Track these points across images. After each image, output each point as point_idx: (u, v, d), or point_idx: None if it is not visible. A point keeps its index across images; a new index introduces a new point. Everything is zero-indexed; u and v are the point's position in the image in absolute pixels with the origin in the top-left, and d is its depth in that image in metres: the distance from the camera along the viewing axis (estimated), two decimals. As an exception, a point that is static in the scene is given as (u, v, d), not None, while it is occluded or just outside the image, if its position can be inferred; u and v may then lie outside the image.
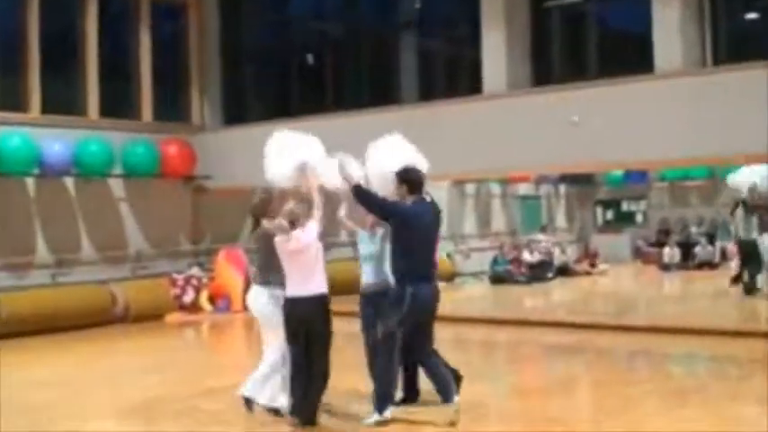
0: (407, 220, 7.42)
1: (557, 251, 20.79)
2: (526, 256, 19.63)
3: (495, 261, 19.77)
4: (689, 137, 11.62)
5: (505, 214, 23.20)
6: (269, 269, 7.62)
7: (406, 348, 7.42)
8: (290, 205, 7.37)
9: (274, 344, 7.64)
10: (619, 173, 23.25)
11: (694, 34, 12.32)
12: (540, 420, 7.65)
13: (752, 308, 14.51)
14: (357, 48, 16.58)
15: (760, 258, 15.17)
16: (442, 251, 17.05)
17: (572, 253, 22.25)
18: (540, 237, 21.14)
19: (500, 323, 13.53)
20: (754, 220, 15.31)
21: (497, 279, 19.21)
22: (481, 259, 20.56)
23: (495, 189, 22.76)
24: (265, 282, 7.72)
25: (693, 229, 23.10)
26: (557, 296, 18.65)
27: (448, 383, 7.34)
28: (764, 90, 11.05)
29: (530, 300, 17.56)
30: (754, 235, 15.27)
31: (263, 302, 7.73)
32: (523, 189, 23.52)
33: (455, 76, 15.94)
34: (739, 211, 15.56)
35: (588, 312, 15.20)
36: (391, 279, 7.60)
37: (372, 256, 7.91)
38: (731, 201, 16.54)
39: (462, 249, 20.84)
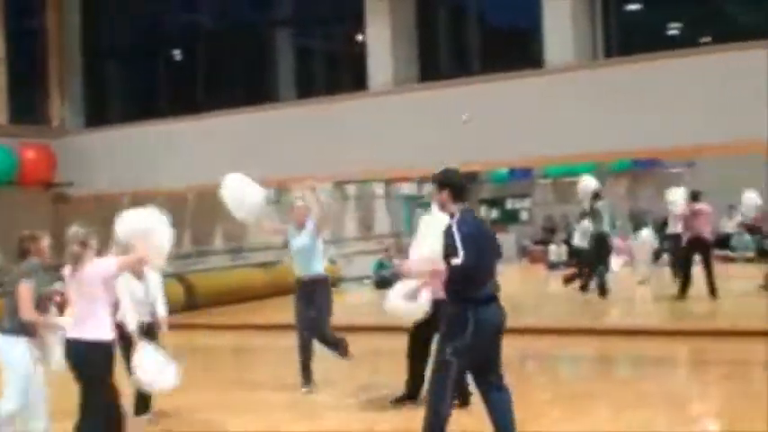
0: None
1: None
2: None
3: (380, 264, 19.07)
4: (581, 132, 11.18)
5: (389, 216, 22.52)
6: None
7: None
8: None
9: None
10: (503, 170, 22.89)
11: (586, 27, 11.93)
12: None
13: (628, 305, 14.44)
14: (231, 43, 15.63)
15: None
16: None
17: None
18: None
19: (387, 330, 12.63)
20: (605, 214, 15.08)
21: (383, 283, 18.50)
22: (365, 263, 19.80)
23: (378, 189, 22.05)
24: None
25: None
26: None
27: None
28: (656, 83, 10.77)
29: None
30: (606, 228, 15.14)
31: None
32: (407, 189, 22.87)
33: (337, 73, 15.24)
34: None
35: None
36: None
37: (302, 250, 8.65)
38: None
39: (345, 253, 20.08)
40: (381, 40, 12.94)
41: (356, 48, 13.73)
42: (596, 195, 15.16)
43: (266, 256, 17.74)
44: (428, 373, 6.46)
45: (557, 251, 21.10)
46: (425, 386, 6.72)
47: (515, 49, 13.55)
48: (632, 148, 11.58)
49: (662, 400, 8.02)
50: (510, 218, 24.52)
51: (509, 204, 24.52)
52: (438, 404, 5.84)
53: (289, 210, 9.37)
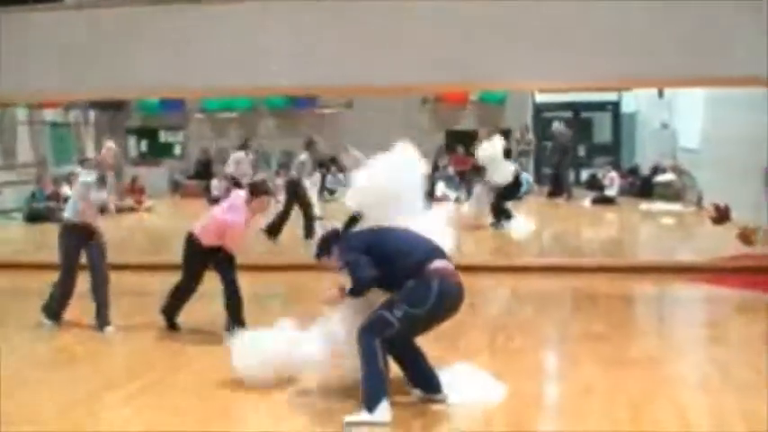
0: None
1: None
2: (67, 191, 17.57)
3: (32, 196, 17.52)
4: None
5: (33, 143, 20.70)
6: None
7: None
8: None
9: None
10: (154, 100, 21.85)
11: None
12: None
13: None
14: None
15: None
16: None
17: (119, 188, 20.37)
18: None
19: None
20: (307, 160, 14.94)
21: (35, 217, 17.04)
22: (13, 195, 18.09)
23: (21, 115, 20.15)
24: None
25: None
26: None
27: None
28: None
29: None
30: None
31: None
32: (51, 115, 21.11)
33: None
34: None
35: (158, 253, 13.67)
36: None
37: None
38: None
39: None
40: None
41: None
42: (310, 143, 14.83)
43: None
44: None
45: (219, 186, 20.62)
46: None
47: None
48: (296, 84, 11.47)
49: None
50: (162, 151, 23.62)
51: (162, 137, 23.61)
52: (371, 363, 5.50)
53: None
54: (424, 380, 5.87)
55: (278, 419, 5.76)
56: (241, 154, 18.23)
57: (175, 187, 23.11)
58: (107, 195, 8.39)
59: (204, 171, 22.41)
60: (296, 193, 14.09)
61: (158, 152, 23.59)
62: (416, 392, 5.88)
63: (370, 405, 5.44)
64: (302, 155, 14.63)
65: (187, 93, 15.19)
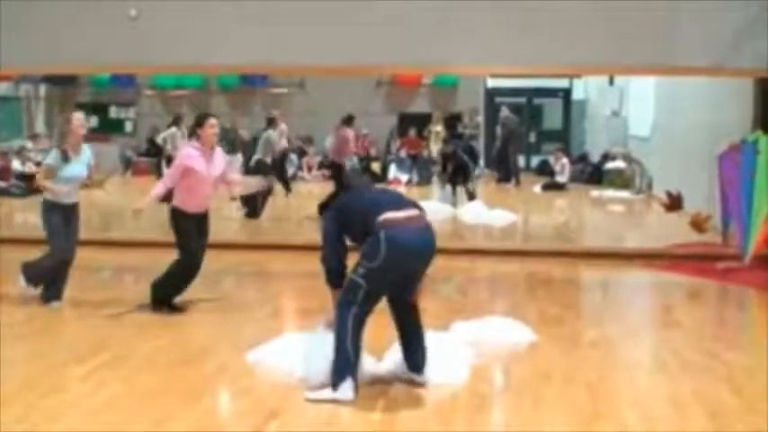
0: None
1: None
2: (17, 166, 17.32)
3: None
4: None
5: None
6: None
7: None
8: None
9: None
10: (105, 75, 21.52)
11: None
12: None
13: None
14: None
15: None
16: None
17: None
18: (30, 145, 18.83)
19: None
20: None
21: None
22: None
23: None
24: None
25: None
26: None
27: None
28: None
29: (21, 215, 15.47)
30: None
31: None
32: (2, 89, 20.72)
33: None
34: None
35: (109, 229, 13.57)
36: None
37: None
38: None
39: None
40: None
41: None
42: (270, 121, 14.75)
43: None
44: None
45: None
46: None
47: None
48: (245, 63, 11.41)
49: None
50: (113, 127, 23.31)
51: (113, 113, 23.30)
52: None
53: None
54: (408, 358, 5.90)
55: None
56: (173, 130, 17.82)
57: (127, 164, 22.84)
58: (88, 169, 8.20)
59: (154, 148, 22.11)
60: (268, 173, 13.95)
61: (109, 128, 23.27)
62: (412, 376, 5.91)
63: (335, 382, 5.45)
64: (265, 133, 14.59)
65: (137, 69, 14.95)
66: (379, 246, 5.43)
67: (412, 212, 5.64)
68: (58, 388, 5.88)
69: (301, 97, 22.22)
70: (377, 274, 5.47)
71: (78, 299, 8.33)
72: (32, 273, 8.18)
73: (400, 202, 5.75)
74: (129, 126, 23.55)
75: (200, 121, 7.82)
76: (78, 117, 8.14)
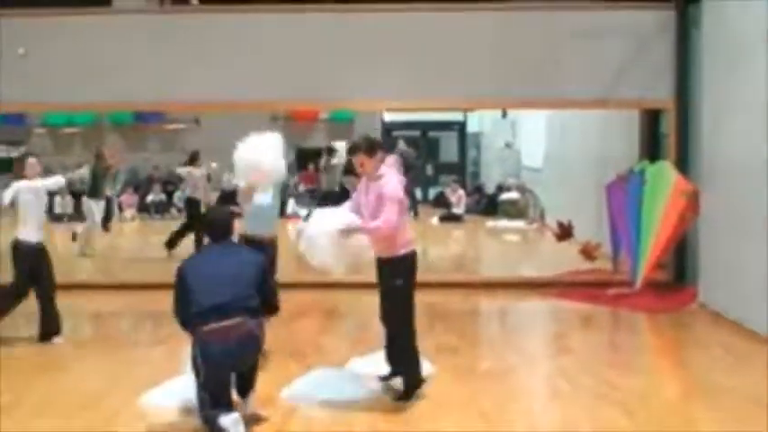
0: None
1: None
2: None
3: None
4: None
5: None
6: None
7: None
8: None
9: None
10: (-7, 114, 20.94)
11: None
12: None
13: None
14: None
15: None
16: None
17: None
18: None
19: None
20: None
21: None
22: None
23: None
24: None
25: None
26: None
27: None
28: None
29: None
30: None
31: None
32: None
33: None
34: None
35: None
36: None
37: None
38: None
39: None
40: None
41: None
42: (194, 157, 14.60)
43: None
44: None
45: (61, 203, 19.95)
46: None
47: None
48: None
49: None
50: (2, 167, 22.60)
51: (1, 152, 22.65)
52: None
53: None
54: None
55: None
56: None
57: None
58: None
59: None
60: (196, 212, 13.78)
61: (-3, 167, 22.60)
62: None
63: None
64: (187, 169, 14.41)
65: (27, 107, 14.62)
66: (197, 355, 5.46)
67: (228, 321, 5.46)
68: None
69: (197, 133, 22.00)
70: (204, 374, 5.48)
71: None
72: None
73: (220, 310, 5.46)
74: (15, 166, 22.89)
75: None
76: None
